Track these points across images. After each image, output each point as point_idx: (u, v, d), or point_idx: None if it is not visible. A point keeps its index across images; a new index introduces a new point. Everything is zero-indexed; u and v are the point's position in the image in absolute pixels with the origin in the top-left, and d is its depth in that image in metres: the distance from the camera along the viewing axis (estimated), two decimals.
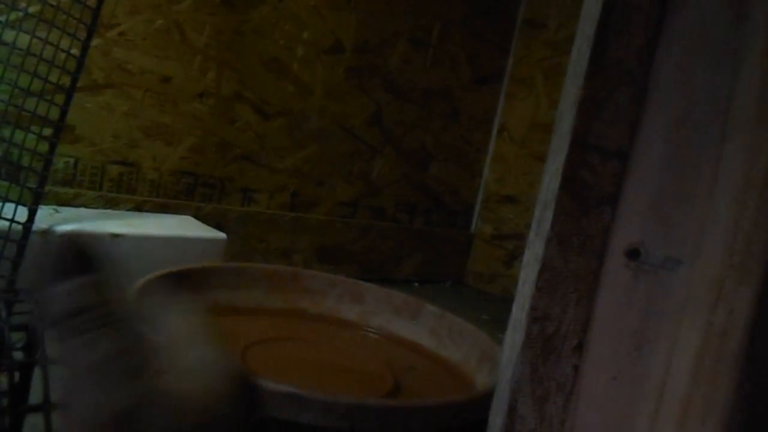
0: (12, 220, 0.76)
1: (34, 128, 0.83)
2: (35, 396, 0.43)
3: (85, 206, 1.01)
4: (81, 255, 0.38)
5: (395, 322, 0.99)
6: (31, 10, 0.89)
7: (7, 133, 0.88)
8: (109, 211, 1.00)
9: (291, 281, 1.01)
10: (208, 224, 1.03)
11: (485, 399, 0.66)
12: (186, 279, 0.92)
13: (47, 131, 0.86)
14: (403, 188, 1.38)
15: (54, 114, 0.86)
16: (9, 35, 0.85)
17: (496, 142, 1.45)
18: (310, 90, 1.22)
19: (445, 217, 1.45)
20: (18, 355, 0.43)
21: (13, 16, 0.90)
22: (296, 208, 1.25)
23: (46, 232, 0.82)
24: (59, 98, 0.86)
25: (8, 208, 0.77)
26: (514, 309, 0.50)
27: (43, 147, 0.86)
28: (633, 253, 0.49)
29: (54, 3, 0.87)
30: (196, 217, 1.08)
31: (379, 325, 0.99)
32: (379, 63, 1.28)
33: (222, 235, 0.99)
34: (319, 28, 1.20)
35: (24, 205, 0.78)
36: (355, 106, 1.28)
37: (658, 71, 0.49)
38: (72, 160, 1.01)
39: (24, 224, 0.77)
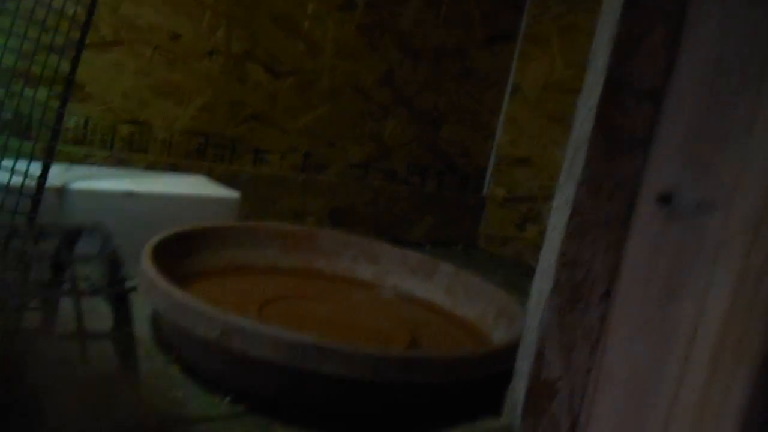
0: (26, 175, 0.75)
1: (44, 83, 0.82)
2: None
3: (97, 166, 1.00)
4: None
5: (410, 282, 0.99)
6: None
7: (17, 88, 0.87)
8: (121, 170, 0.99)
9: (306, 241, 1.01)
10: (221, 184, 1.02)
11: (507, 351, 0.65)
12: (200, 238, 0.91)
13: (58, 88, 0.85)
14: (415, 150, 1.37)
15: (64, 70, 0.84)
16: None
17: (510, 103, 1.42)
18: (320, 48, 1.19)
19: (458, 179, 1.44)
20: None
21: None
22: (308, 169, 1.24)
23: (60, 189, 0.81)
24: (68, 54, 0.85)
25: (21, 166, 0.76)
26: (542, 255, 0.49)
27: (54, 103, 0.85)
28: (665, 198, 0.48)
29: None
30: (208, 177, 1.07)
31: (394, 285, 0.99)
32: (390, 20, 1.25)
33: (235, 193, 0.98)
34: None
35: (37, 160, 0.78)
36: (366, 65, 1.25)
37: (695, 9, 0.47)
38: (82, 119, 1.00)
39: (38, 179, 0.76)
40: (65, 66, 0.82)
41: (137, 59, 1.03)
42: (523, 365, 0.49)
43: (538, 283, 0.48)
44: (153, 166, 1.06)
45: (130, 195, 0.86)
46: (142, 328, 0.72)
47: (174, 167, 1.07)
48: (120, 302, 0.30)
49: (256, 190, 1.16)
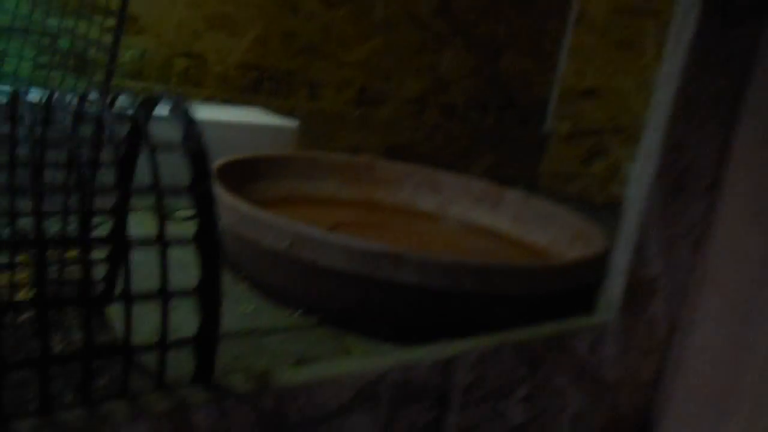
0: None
1: (101, 18, 0.80)
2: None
3: None
4: None
5: (474, 211, 0.95)
6: None
7: (71, 23, 0.86)
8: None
9: (365, 172, 0.98)
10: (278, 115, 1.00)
11: (590, 263, 0.61)
12: (260, 166, 0.89)
13: (111, 22, 0.83)
14: (473, 83, 1.31)
15: (115, 4, 0.82)
16: None
17: (574, 30, 1.34)
18: None
19: (518, 114, 1.38)
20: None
21: None
22: (363, 104, 1.20)
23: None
24: None
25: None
26: (644, 138, 0.44)
27: (108, 38, 0.83)
28: None
29: None
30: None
31: (457, 215, 0.95)
32: None
33: (294, 123, 0.95)
34: None
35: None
36: None
37: None
38: (138, 52, 0.98)
39: None
40: (117, 1, 0.80)
41: None
42: (620, 260, 0.45)
43: (640, 168, 0.43)
44: (209, 101, 1.04)
45: None
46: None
47: (230, 101, 1.05)
48: (205, 200, 0.27)
49: (312, 125, 1.14)
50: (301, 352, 0.50)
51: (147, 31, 0.99)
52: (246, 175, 0.85)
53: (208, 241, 0.28)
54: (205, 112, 0.90)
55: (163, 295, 0.27)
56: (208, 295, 0.27)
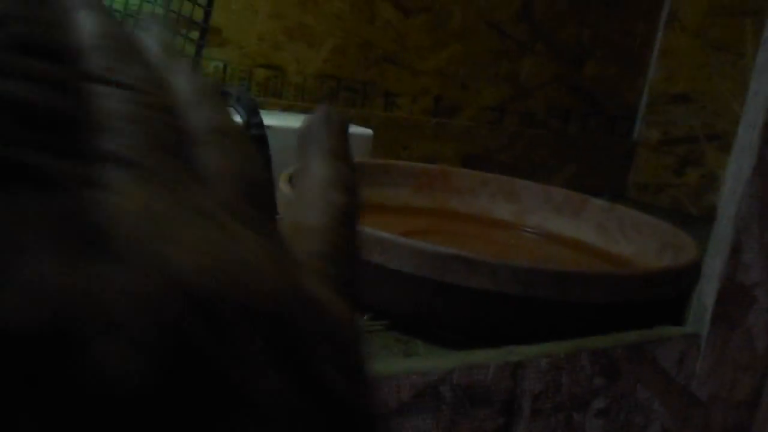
0: None
1: (185, 29, 0.83)
2: None
3: None
4: None
5: (555, 220, 0.91)
6: None
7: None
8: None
9: (440, 180, 0.96)
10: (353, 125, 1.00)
11: (679, 272, 0.56)
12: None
13: (194, 35, 0.86)
14: (555, 90, 1.26)
15: (197, 14, 0.86)
16: None
17: (665, 33, 1.27)
18: None
19: (604, 122, 1.32)
20: None
21: None
22: (439, 113, 1.19)
23: None
24: (202, 1, 0.86)
25: None
26: (741, 128, 0.40)
27: (191, 49, 0.86)
28: None
29: None
30: None
31: (537, 224, 0.92)
32: None
33: (368, 131, 0.95)
34: None
35: None
36: (502, 0, 1.17)
37: None
38: (221, 64, 1.02)
39: None
40: (197, 12, 0.84)
41: (270, 1, 1.03)
42: (714, 264, 0.40)
43: (736, 161, 0.39)
44: (287, 110, 1.06)
45: (267, 129, 0.86)
46: None
47: (307, 111, 1.07)
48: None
49: (387, 134, 1.13)
50: (367, 354, 0.49)
51: (230, 42, 1.02)
52: None
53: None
54: (284, 121, 0.91)
55: None
56: None
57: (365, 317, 0.57)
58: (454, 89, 1.19)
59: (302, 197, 0.19)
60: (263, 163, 0.30)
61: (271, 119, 0.91)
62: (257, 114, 0.30)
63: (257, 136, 0.30)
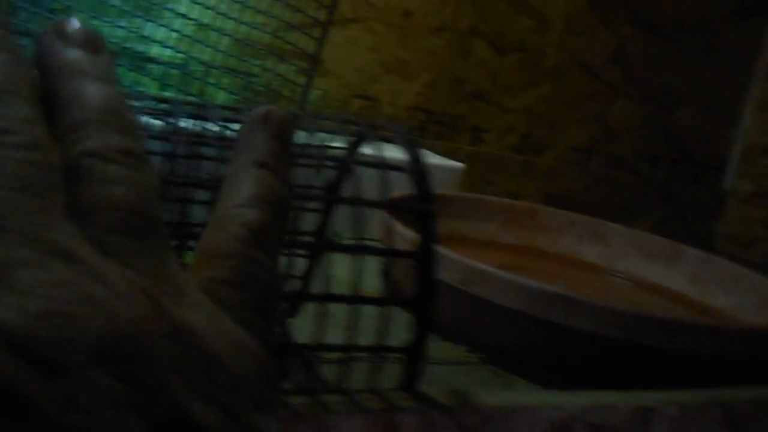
0: None
1: (293, 60, 0.88)
2: None
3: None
4: None
5: (645, 267, 0.89)
6: None
7: (270, 63, 0.95)
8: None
9: (527, 217, 0.96)
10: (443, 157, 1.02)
11: None
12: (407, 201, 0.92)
13: (302, 64, 0.91)
14: (644, 135, 1.25)
15: (309, 46, 0.90)
16: None
17: (762, 83, 1.24)
18: (548, 23, 1.15)
19: (693, 170, 1.29)
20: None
21: None
22: (526, 150, 1.20)
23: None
24: (315, 32, 0.91)
25: None
26: None
27: (300, 78, 0.91)
28: None
29: None
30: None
31: (625, 269, 0.90)
32: None
33: (459, 165, 0.97)
34: None
35: None
36: (596, 41, 1.18)
37: None
38: (321, 93, 1.07)
39: None
40: (308, 43, 0.88)
41: (371, 36, 1.07)
42: None
43: None
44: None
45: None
46: (369, 278, 0.73)
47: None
48: (429, 217, 0.29)
49: (473, 169, 1.15)
50: (472, 385, 0.50)
51: (330, 73, 1.07)
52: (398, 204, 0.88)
53: (428, 256, 0.30)
54: (377, 151, 0.94)
55: (384, 301, 0.28)
56: (424, 307, 0.28)
57: (463, 349, 0.58)
58: (542, 128, 1.20)
59: (216, 216, 0.17)
60: (426, 196, 0.32)
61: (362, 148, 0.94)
62: (418, 149, 0.32)
63: (416, 172, 0.32)
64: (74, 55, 0.16)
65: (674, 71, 1.23)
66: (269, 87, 0.95)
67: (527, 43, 1.15)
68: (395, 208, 0.39)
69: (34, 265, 0.12)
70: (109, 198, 0.14)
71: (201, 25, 0.85)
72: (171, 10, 0.84)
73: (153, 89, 0.90)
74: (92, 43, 0.17)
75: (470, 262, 0.58)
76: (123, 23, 0.82)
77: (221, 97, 0.94)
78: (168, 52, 0.85)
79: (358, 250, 0.31)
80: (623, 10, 1.17)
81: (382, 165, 0.34)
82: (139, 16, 0.82)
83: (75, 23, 0.17)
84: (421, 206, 0.34)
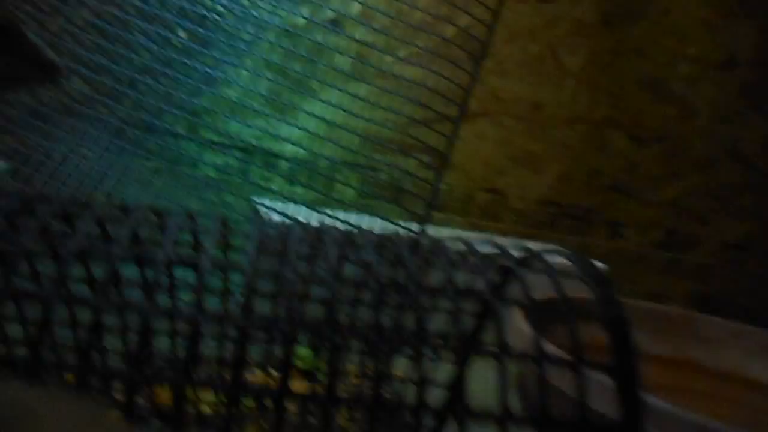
0: (410, 230, 0.79)
1: (421, 156, 0.87)
2: None
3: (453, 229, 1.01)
4: None
5: None
6: (422, 44, 0.96)
7: (396, 159, 0.94)
8: (477, 234, 0.99)
9: (682, 325, 0.85)
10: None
11: None
12: (559, 307, 0.84)
13: (426, 158, 0.89)
14: None
15: (435, 141, 0.89)
16: (401, 68, 0.92)
17: None
18: (694, 112, 1.06)
19: None
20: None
21: (405, 51, 0.97)
22: (671, 247, 1.08)
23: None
24: (442, 127, 0.89)
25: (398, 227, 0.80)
26: None
27: (426, 173, 0.89)
28: None
29: (447, 37, 0.91)
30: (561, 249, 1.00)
31: None
32: None
33: (599, 266, 0.88)
34: (707, 41, 1.05)
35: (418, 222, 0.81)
36: (748, 130, 1.07)
37: None
38: (447, 187, 1.04)
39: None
40: (435, 138, 0.87)
41: (499, 129, 1.04)
42: None
43: None
44: (504, 235, 1.04)
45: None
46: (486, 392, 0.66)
47: (525, 237, 1.04)
48: (622, 327, 0.24)
49: (611, 266, 1.05)
50: None
51: (456, 167, 1.04)
52: (544, 315, 0.80)
53: (631, 372, 0.24)
54: (511, 247, 0.89)
55: (581, 427, 0.23)
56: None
57: None
58: (689, 222, 1.08)
59: None
60: (624, 352, 0.26)
61: (494, 247, 0.89)
62: (608, 288, 0.27)
63: (614, 318, 0.27)
64: None
65: None
66: (395, 183, 0.94)
67: (669, 132, 1.07)
68: (579, 313, 0.34)
69: None
70: None
71: (331, 124, 0.86)
72: (305, 110, 0.86)
73: (281, 186, 0.92)
74: None
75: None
76: (257, 123, 0.84)
77: (348, 194, 0.94)
78: (297, 149, 0.87)
79: (538, 359, 0.26)
80: None
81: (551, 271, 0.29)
82: (272, 117, 0.84)
83: None
84: (611, 311, 0.28)
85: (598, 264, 0.88)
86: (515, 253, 0.35)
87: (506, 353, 0.28)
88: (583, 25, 1.03)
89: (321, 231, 0.38)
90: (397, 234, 0.44)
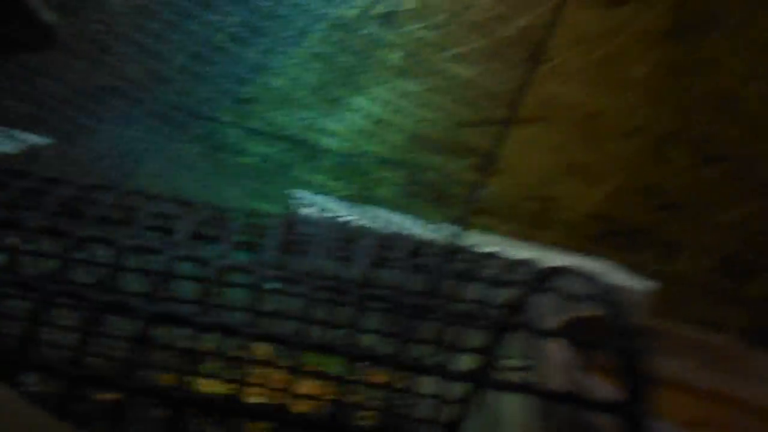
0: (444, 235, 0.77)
1: (467, 158, 0.84)
2: None
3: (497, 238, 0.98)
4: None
5: None
6: (477, 44, 0.93)
7: (440, 160, 0.92)
8: (521, 243, 0.96)
9: (730, 358, 0.80)
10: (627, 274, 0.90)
11: None
12: (598, 328, 0.80)
13: (474, 161, 0.87)
14: None
15: (482, 144, 0.86)
16: (453, 67, 0.90)
17: None
18: (764, 132, 0.99)
19: None
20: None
21: (458, 49, 0.94)
22: (729, 273, 1.02)
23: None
24: (490, 130, 0.86)
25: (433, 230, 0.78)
26: None
27: (472, 176, 0.87)
28: None
29: (500, 37, 0.88)
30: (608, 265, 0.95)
31: None
32: None
33: (646, 284, 0.84)
34: None
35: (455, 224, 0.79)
36: None
37: None
38: (493, 192, 1.01)
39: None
40: (480, 140, 0.84)
41: (552, 136, 1.00)
42: None
43: None
44: (551, 246, 1.00)
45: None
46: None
47: (573, 249, 1.00)
48: (634, 361, 0.22)
49: (661, 289, 1.00)
50: None
51: (504, 172, 1.01)
52: (584, 334, 0.76)
53: (637, 413, 0.22)
54: (553, 260, 0.85)
55: None
56: None
57: None
58: (751, 248, 1.02)
59: None
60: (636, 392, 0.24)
61: (535, 256, 0.85)
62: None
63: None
64: None
65: None
66: (437, 184, 0.92)
67: (735, 152, 1.00)
68: (584, 343, 0.31)
69: None
70: None
71: (377, 121, 0.85)
72: (351, 106, 0.84)
73: (322, 179, 0.91)
74: None
75: (664, 424, 0.46)
76: (304, 115, 0.84)
77: (388, 191, 0.93)
78: (341, 143, 0.86)
79: (560, 397, 0.24)
80: None
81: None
82: (319, 109, 0.83)
83: None
84: (623, 343, 0.26)
85: (647, 283, 0.84)
86: (539, 269, 0.33)
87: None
88: (651, 33, 0.97)
89: (357, 233, 0.37)
90: (433, 240, 0.42)
